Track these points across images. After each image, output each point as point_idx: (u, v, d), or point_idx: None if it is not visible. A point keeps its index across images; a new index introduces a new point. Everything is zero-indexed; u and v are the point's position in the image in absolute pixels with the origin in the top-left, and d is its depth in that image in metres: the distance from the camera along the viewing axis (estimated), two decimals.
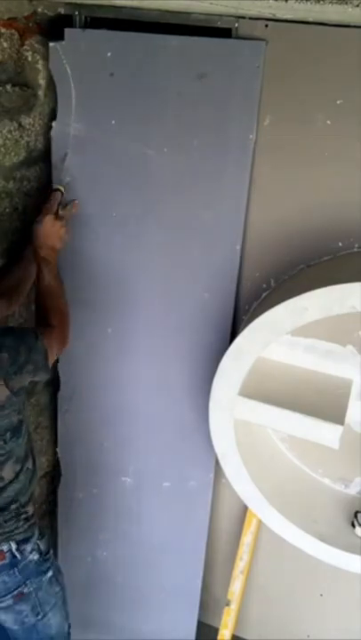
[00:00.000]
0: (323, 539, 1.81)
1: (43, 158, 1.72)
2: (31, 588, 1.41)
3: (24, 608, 1.41)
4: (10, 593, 1.38)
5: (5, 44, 1.50)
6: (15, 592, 1.38)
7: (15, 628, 1.45)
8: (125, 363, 1.97)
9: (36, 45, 1.58)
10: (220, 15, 1.52)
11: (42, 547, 1.45)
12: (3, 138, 1.50)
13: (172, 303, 1.86)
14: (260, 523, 2.13)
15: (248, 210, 1.73)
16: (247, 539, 2.21)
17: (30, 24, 1.57)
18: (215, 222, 1.72)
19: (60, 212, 1.63)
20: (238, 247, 1.74)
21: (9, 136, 1.53)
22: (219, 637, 2.36)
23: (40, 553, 1.44)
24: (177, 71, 1.58)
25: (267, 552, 2.27)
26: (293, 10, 1.22)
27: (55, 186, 1.73)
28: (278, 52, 1.53)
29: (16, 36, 1.53)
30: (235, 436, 1.74)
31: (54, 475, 2.25)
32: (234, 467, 1.79)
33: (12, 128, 1.53)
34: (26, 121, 1.58)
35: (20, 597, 1.39)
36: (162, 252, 1.80)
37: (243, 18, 1.51)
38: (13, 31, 1.52)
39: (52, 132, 1.69)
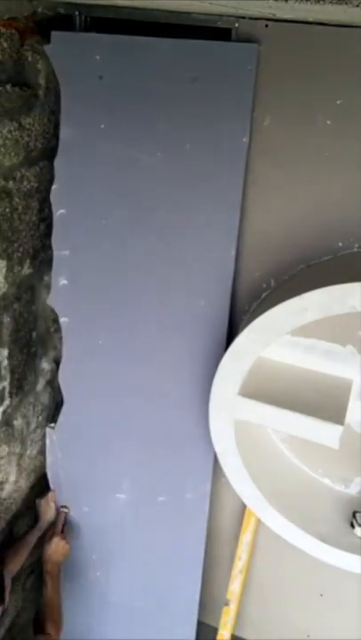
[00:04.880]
0: (323, 539, 1.81)
1: (43, 158, 1.72)
2: None
3: None
4: None
5: (5, 44, 1.50)
6: None
7: None
8: (117, 374, 1.93)
9: (36, 45, 1.58)
10: (220, 15, 1.52)
11: None
12: (3, 138, 1.50)
13: (165, 312, 1.82)
14: (258, 522, 2.13)
15: (248, 210, 1.73)
16: (246, 538, 2.21)
17: (30, 24, 1.57)
18: (209, 228, 1.70)
19: (65, 531, 2.00)
20: (233, 253, 1.72)
21: (9, 136, 1.52)
22: (218, 637, 2.36)
23: None
24: (168, 74, 1.57)
25: (266, 551, 2.27)
26: (293, 10, 1.22)
27: (62, 508, 2.05)
28: (278, 52, 1.53)
29: (16, 36, 1.53)
30: (235, 436, 1.74)
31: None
32: (234, 467, 1.79)
33: (12, 128, 1.53)
34: (26, 121, 1.58)
35: None
36: (154, 260, 1.77)
37: (243, 18, 1.51)
38: (13, 31, 1.52)
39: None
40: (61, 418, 2.01)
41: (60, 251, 1.80)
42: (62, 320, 1.88)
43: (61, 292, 1.85)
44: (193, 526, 2.12)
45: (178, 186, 1.68)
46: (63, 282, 1.84)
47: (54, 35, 1.58)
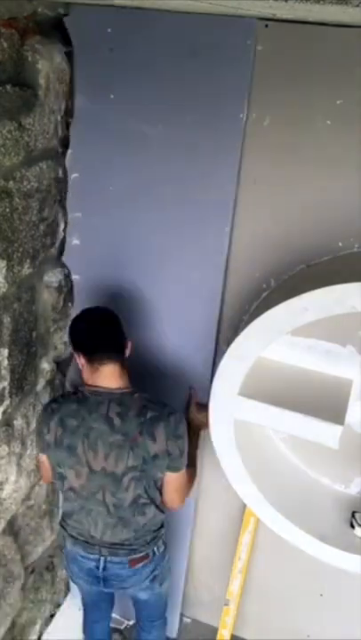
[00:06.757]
0: (323, 539, 1.81)
1: (43, 158, 1.72)
2: (159, 571, 1.94)
3: (156, 585, 1.97)
4: (148, 577, 1.91)
5: (5, 44, 1.50)
6: (151, 576, 1.92)
7: (146, 598, 2.01)
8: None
9: (36, 45, 1.58)
10: (220, 15, 1.52)
11: (164, 538, 1.94)
12: (3, 138, 1.50)
13: (164, 281, 1.91)
14: (258, 522, 2.13)
15: (248, 210, 1.73)
16: (245, 538, 2.21)
17: (30, 24, 1.56)
18: (206, 201, 1.75)
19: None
20: (227, 228, 1.76)
21: (9, 136, 1.52)
22: (218, 637, 2.36)
23: (164, 544, 1.94)
24: (171, 48, 1.61)
25: (266, 552, 2.27)
26: (293, 10, 1.22)
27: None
28: (278, 52, 1.53)
29: (16, 36, 1.53)
30: (235, 436, 1.74)
31: None
32: (234, 467, 1.79)
33: (11, 128, 1.53)
34: (26, 121, 1.58)
35: (154, 579, 1.94)
36: (156, 229, 1.84)
37: (243, 18, 1.51)
38: (13, 31, 1.51)
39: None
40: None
41: (74, 212, 1.90)
42: (74, 277, 2.01)
43: (74, 251, 1.96)
44: (180, 525, 2.16)
45: (177, 158, 1.72)
46: (75, 242, 1.95)
47: (73, 7, 1.63)
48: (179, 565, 2.33)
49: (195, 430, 1.92)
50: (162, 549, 1.92)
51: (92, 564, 1.86)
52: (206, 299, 1.88)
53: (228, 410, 1.69)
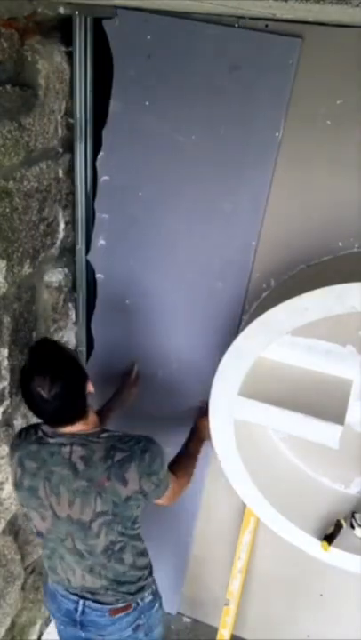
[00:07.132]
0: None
1: (43, 158, 1.72)
2: (144, 620, 1.74)
3: (140, 636, 1.76)
4: (130, 626, 1.72)
5: (5, 44, 1.50)
6: (134, 625, 1.72)
7: None
8: (139, 337, 2.04)
9: (36, 45, 1.58)
10: (220, 15, 1.52)
11: (154, 588, 1.77)
12: (3, 138, 1.50)
13: (186, 288, 1.93)
14: (258, 522, 2.13)
15: None
16: (245, 538, 2.21)
17: (30, 24, 1.56)
18: (233, 216, 1.76)
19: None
20: (253, 243, 1.77)
21: (9, 136, 1.52)
22: (218, 637, 2.36)
23: (153, 594, 1.75)
24: (210, 60, 1.59)
25: (266, 552, 2.27)
26: (293, 10, 1.22)
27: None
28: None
29: (16, 36, 1.53)
30: (235, 436, 1.74)
31: None
32: (234, 467, 1.79)
33: (11, 128, 1.53)
34: (26, 121, 1.58)
35: (137, 628, 1.74)
36: (181, 237, 1.85)
37: (243, 18, 1.51)
38: (13, 31, 1.51)
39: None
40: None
41: (101, 213, 1.92)
42: (98, 276, 2.04)
43: (99, 251, 1.99)
44: (180, 524, 2.17)
45: (209, 170, 1.72)
46: (101, 242, 1.97)
47: (115, 10, 1.63)
48: (179, 565, 2.34)
49: (200, 439, 1.90)
50: (149, 599, 1.73)
51: (72, 606, 1.70)
52: (228, 308, 1.89)
53: (228, 410, 1.69)
